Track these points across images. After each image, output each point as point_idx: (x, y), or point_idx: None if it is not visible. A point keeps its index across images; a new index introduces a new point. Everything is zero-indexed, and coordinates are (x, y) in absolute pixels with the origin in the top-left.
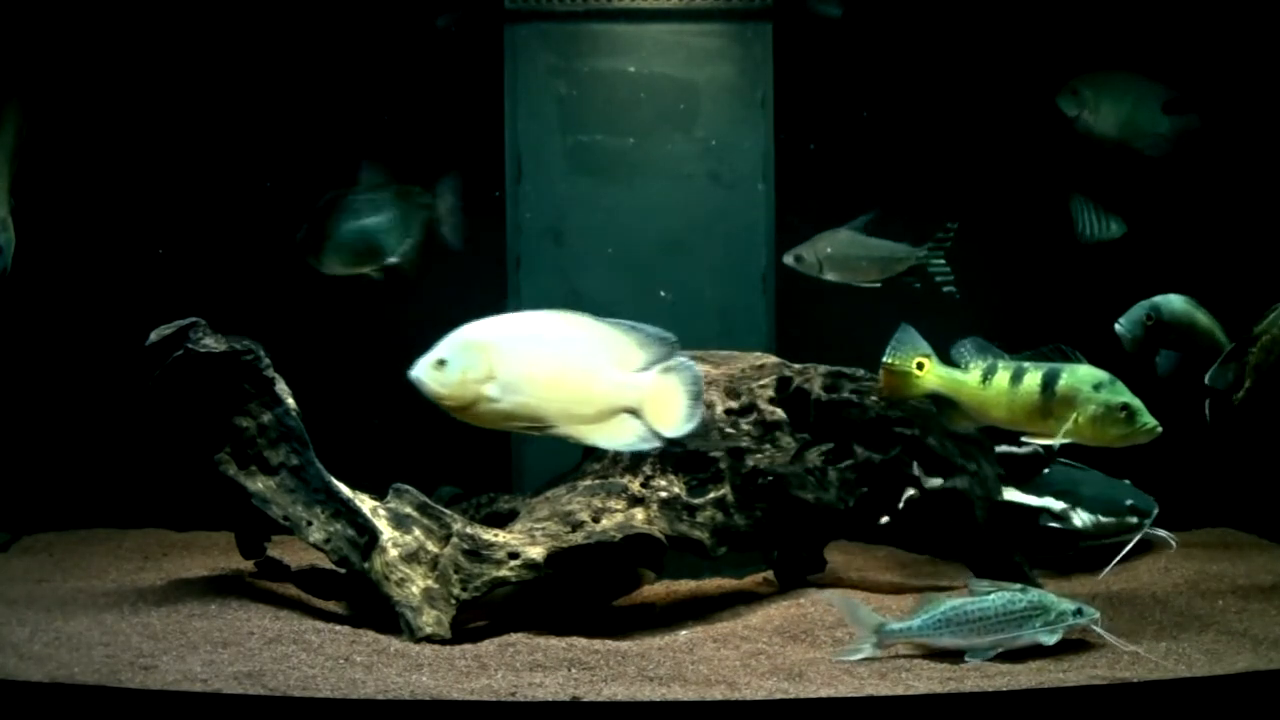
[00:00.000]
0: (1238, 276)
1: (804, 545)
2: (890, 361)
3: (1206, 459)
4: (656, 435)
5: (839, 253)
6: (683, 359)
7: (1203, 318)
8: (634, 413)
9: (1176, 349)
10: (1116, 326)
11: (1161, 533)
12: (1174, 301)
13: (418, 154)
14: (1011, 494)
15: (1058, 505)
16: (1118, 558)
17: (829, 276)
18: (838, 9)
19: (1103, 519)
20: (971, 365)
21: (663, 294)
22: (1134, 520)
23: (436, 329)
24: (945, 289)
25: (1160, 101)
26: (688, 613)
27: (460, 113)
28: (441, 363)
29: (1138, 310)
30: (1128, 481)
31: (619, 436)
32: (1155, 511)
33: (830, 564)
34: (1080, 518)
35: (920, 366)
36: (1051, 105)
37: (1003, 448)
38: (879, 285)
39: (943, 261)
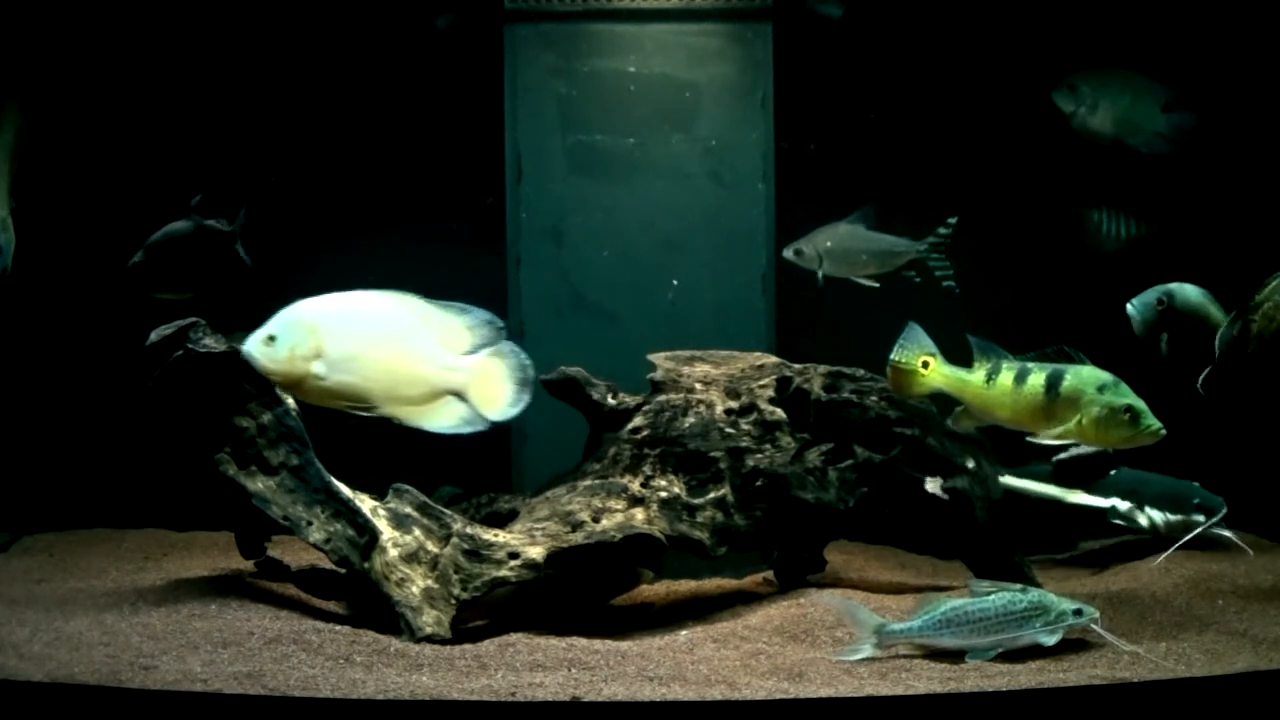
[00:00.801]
0: (1244, 275)
1: (804, 545)
2: (897, 359)
3: (1205, 456)
4: (480, 418)
5: (838, 247)
6: (511, 344)
7: (1216, 312)
8: (460, 396)
9: (1185, 338)
10: (1128, 306)
11: (1230, 534)
12: (1189, 290)
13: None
14: (1078, 496)
15: (1124, 505)
16: (1173, 547)
17: (828, 271)
18: (838, 9)
19: (1170, 517)
20: (976, 365)
21: (675, 283)
22: (1201, 518)
23: None
24: (945, 284)
25: (1158, 100)
26: (688, 613)
27: (460, 113)
28: (271, 338)
29: (1151, 293)
30: (1196, 483)
31: (442, 419)
32: (1224, 511)
33: (830, 564)
34: (1147, 516)
35: (925, 365)
36: (1051, 104)
37: (1071, 452)
38: (878, 286)
39: (942, 256)
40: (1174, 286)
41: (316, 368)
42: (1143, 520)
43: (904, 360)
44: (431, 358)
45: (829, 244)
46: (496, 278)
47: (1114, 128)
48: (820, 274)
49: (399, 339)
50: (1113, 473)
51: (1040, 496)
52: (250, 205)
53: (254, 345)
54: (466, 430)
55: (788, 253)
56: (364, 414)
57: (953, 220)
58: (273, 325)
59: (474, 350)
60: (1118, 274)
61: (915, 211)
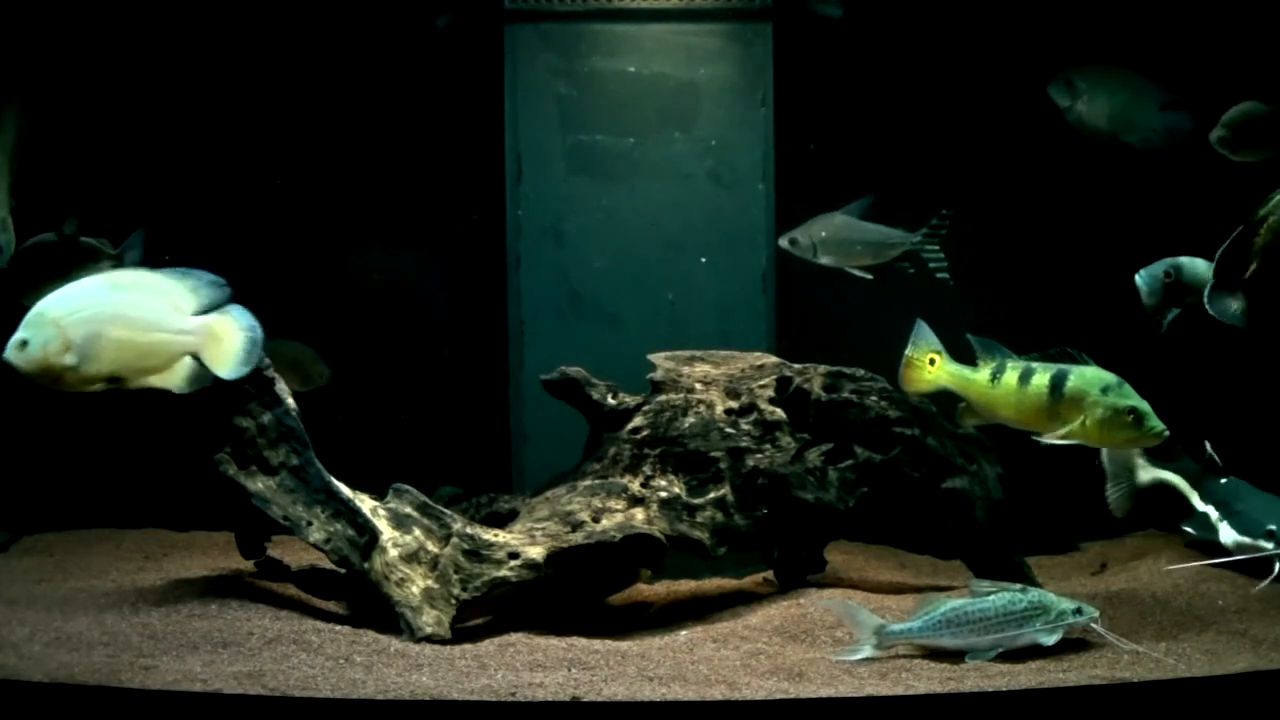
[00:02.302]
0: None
1: (804, 545)
2: (910, 354)
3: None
4: (212, 375)
5: (833, 237)
6: (239, 306)
7: None
8: (196, 356)
9: (1190, 312)
10: (1136, 277)
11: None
12: (1198, 265)
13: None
14: (1195, 500)
15: (1214, 513)
16: (1265, 581)
17: (823, 261)
18: (838, 9)
19: (1241, 538)
20: (981, 364)
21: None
22: (1270, 546)
23: (438, 329)
24: (939, 275)
25: (1154, 98)
26: (688, 613)
27: (460, 113)
28: (24, 343)
29: (1159, 266)
30: None
31: (175, 379)
32: None
33: (830, 564)
34: (1226, 533)
35: (932, 362)
36: (1051, 103)
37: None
38: (870, 277)
39: (937, 248)
40: (1183, 260)
41: (69, 360)
42: (1222, 537)
43: (915, 355)
44: (164, 324)
45: (824, 234)
46: (496, 277)
47: (1109, 124)
48: (817, 264)
49: (132, 313)
50: (1223, 481)
51: (1180, 492)
52: (249, 208)
53: (11, 353)
54: (197, 387)
55: (783, 241)
56: (130, 387)
57: (946, 212)
58: (22, 329)
59: (203, 311)
60: (1119, 274)
61: (916, 210)
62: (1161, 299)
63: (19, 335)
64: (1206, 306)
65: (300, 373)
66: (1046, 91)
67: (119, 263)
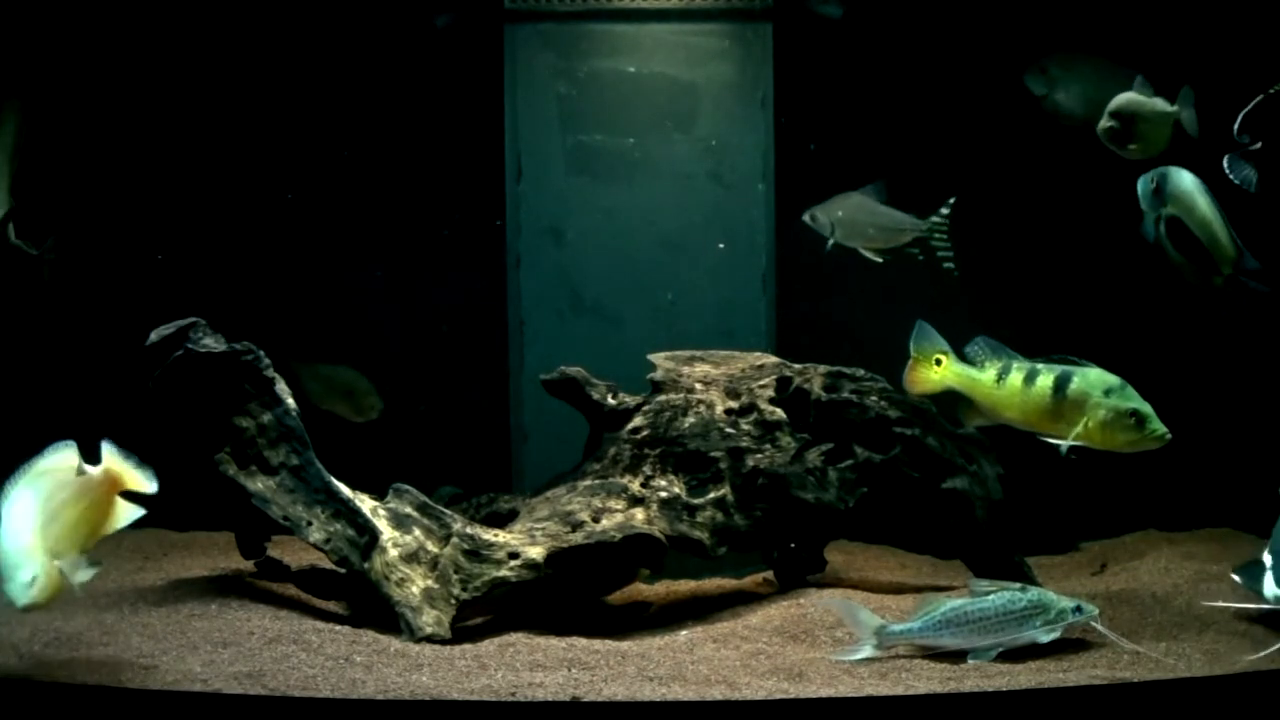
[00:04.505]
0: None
1: (804, 545)
2: (916, 355)
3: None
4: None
5: (849, 216)
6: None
7: (1203, 203)
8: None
9: (1172, 225)
10: (1139, 180)
11: None
12: (1184, 176)
13: None
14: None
15: (1269, 560)
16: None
17: (839, 239)
18: (838, 9)
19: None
20: (987, 364)
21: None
22: None
23: (438, 329)
24: (945, 265)
25: (1127, 81)
26: (688, 613)
27: (460, 113)
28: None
29: (1151, 172)
30: None
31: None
32: None
33: (830, 564)
34: (1270, 586)
35: (938, 363)
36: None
37: None
38: (880, 260)
39: (945, 237)
40: (1171, 169)
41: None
42: (1267, 590)
43: (921, 355)
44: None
45: (840, 213)
46: (496, 277)
47: (1085, 109)
48: (830, 241)
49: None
50: None
51: None
52: (249, 208)
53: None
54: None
55: (805, 217)
56: None
57: (952, 200)
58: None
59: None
60: (1120, 276)
61: (917, 210)
62: (1150, 205)
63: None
64: (1226, 170)
65: (352, 403)
66: (1024, 81)
67: (45, 264)
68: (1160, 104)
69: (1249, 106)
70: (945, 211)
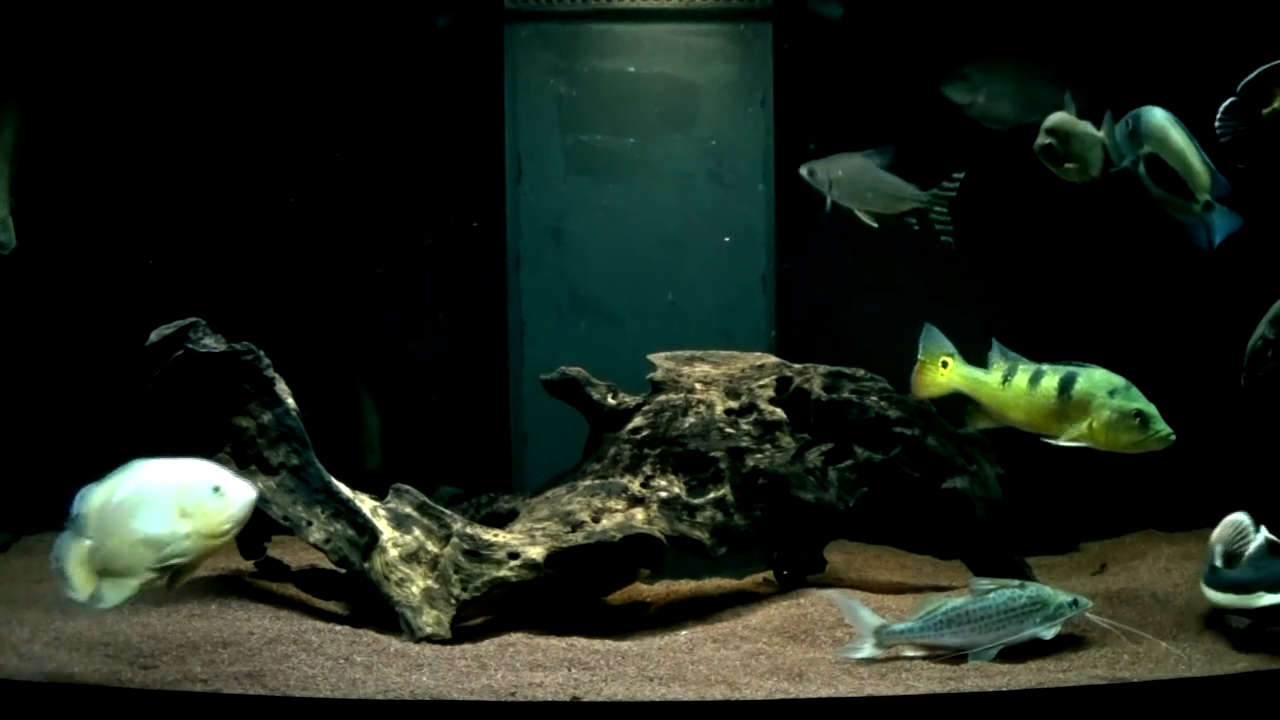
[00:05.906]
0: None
1: (804, 545)
2: (923, 358)
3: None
4: None
5: (849, 177)
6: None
7: (1176, 135)
8: None
9: (1150, 162)
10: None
11: None
12: (1155, 112)
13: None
14: None
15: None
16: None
17: (836, 198)
18: (838, 9)
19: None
20: (993, 366)
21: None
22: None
23: (437, 329)
24: (943, 238)
25: (1048, 76)
26: (688, 613)
27: (460, 113)
28: None
29: (1125, 116)
30: None
31: None
32: None
33: (830, 564)
34: (1205, 590)
35: (945, 365)
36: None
37: None
38: (876, 226)
39: (944, 210)
40: (1142, 110)
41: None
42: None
43: (928, 358)
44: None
45: (840, 172)
46: (496, 278)
47: (1014, 108)
48: (829, 201)
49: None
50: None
51: None
52: (249, 208)
53: None
54: None
55: (803, 170)
56: None
57: (958, 175)
58: None
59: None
60: (1121, 276)
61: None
62: (1128, 148)
63: None
64: (1216, 128)
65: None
66: (942, 92)
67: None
68: (1088, 127)
69: (1222, 105)
70: (949, 185)
